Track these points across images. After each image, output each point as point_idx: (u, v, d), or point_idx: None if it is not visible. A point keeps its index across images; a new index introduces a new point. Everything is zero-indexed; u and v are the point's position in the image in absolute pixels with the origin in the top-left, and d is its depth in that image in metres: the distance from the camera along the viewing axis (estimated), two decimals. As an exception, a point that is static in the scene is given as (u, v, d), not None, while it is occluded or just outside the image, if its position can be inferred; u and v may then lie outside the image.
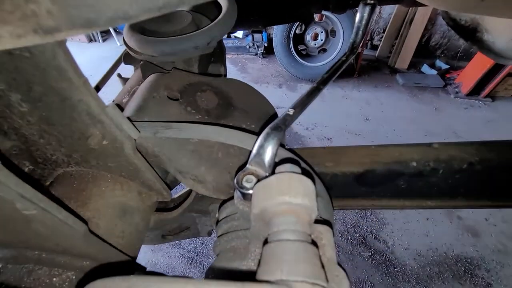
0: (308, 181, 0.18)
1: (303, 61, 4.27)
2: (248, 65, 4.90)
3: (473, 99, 4.17)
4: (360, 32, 0.48)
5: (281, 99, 4.11)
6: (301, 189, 0.18)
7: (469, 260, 2.55)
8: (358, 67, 4.48)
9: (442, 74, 4.61)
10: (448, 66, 4.71)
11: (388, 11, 4.75)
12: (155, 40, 0.47)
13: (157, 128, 0.33)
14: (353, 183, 0.46)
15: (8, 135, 0.27)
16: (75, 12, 0.13)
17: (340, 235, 2.68)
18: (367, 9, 0.45)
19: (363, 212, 2.85)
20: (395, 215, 2.85)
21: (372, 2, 0.45)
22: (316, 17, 4.06)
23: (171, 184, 0.46)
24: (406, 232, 2.73)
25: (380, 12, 4.82)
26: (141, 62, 0.48)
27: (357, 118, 3.86)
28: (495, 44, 0.65)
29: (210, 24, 0.50)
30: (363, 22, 0.47)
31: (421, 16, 4.28)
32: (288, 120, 0.30)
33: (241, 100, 0.48)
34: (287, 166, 0.21)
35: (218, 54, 0.69)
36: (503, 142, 0.43)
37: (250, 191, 0.22)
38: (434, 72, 4.64)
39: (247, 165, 0.25)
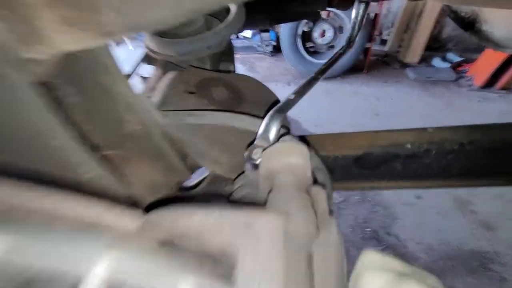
0: (302, 146, 0.24)
1: (311, 58, 4.28)
2: (256, 64, 4.96)
3: (486, 92, 4.07)
4: (356, 27, 0.52)
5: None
6: (297, 151, 0.23)
7: (483, 254, 2.52)
8: (367, 62, 4.45)
9: (454, 67, 4.52)
10: (460, 59, 4.61)
11: (397, 5, 4.69)
12: (172, 42, 0.53)
13: (179, 116, 0.39)
14: (353, 166, 0.51)
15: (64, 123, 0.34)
16: (129, 19, 0.18)
17: (352, 229, 2.70)
18: (362, 6, 0.49)
19: (374, 207, 2.86)
20: (406, 210, 2.85)
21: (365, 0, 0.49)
22: (324, 14, 4.06)
23: (190, 170, 0.52)
24: (418, 226, 2.72)
25: (389, 6, 4.77)
26: (161, 62, 0.54)
27: (366, 114, 3.85)
28: (493, 34, 0.68)
29: (221, 25, 0.56)
30: (359, 18, 0.51)
31: (431, 9, 4.21)
32: (289, 104, 0.35)
33: (249, 93, 0.53)
34: (286, 138, 0.26)
35: (227, 53, 0.75)
36: (492, 125, 0.47)
37: (258, 161, 0.28)
38: (445, 65, 4.55)
39: (255, 141, 0.30)
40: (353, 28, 0.52)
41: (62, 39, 0.19)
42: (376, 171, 0.51)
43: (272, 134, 0.30)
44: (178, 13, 0.19)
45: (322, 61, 4.25)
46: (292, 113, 0.68)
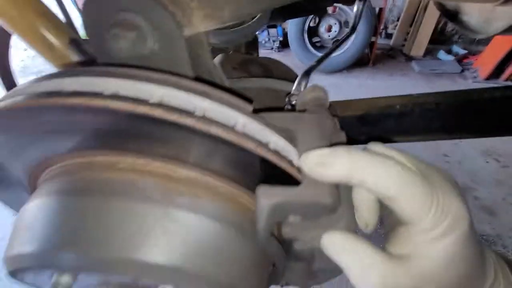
0: (323, 87, 0.40)
1: (318, 53, 4.41)
2: (264, 60, 5.11)
3: (492, 83, 4.15)
4: (357, 18, 0.68)
5: (297, 90, 4.30)
6: (321, 89, 0.40)
7: (484, 236, 2.64)
8: (373, 56, 4.56)
9: (460, 59, 4.59)
10: (465, 52, 4.68)
11: (402, -1, 4.78)
12: (218, 32, 0.70)
13: (232, 81, 0.56)
14: (356, 124, 0.67)
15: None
16: (235, 13, 0.35)
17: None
18: (361, 3, 0.65)
19: (379, 193, 3.00)
20: (410, 196, 2.98)
21: (363, -4, 0.66)
22: (330, 9, 4.18)
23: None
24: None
25: (393, 0, 4.86)
26: (210, 48, 0.71)
27: (372, 106, 3.97)
28: (471, 22, 0.84)
29: (253, 20, 0.73)
30: (358, 12, 0.68)
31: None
32: (313, 68, 0.52)
33: (277, 72, 0.70)
34: (312, 84, 0.43)
35: (253, 42, 0.92)
36: (461, 90, 0.62)
37: (294, 101, 0.44)
38: (451, 58, 4.63)
39: (292, 92, 0.47)
40: (354, 19, 0.69)
41: (200, 26, 0.36)
42: (375, 129, 0.68)
43: (303, 87, 0.47)
44: (258, 10, 0.36)
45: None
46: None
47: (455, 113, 0.61)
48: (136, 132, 0.28)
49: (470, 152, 3.32)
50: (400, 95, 0.65)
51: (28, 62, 4.86)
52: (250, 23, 0.72)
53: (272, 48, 5.25)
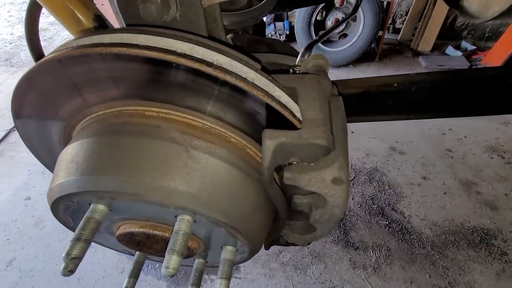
0: (323, 55, 0.45)
1: (324, 47, 4.42)
2: (270, 53, 5.12)
3: (500, 80, 4.11)
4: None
5: (302, 84, 4.32)
6: (322, 57, 0.45)
7: (485, 230, 2.67)
8: (379, 50, 4.54)
9: (468, 55, 4.55)
10: (474, 47, 4.63)
11: (411, -7, 4.72)
12: (228, 14, 0.75)
13: (241, 56, 0.61)
14: (355, 101, 0.71)
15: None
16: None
17: (359, 205, 2.89)
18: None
19: (381, 185, 3.04)
20: (413, 190, 3.01)
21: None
22: (337, 2, 4.17)
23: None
24: (423, 204, 2.89)
25: (402, -6, 4.81)
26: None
27: (377, 100, 3.98)
28: (470, 8, 0.88)
29: (262, 2, 0.77)
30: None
31: (445, -4, 4.23)
32: (315, 42, 0.57)
33: (281, 49, 0.75)
34: (315, 53, 0.48)
35: (260, 25, 0.96)
36: (452, 70, 0.66)
37: (299, 70, 0.49)
38: (459, 53, 4.59)
39: (296, 62, 0.52)
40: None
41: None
42: (373, 106, 0.72)
43: (306, 56, 0.51)
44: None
45: (334, 49, 4.39)
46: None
47: (449, 91, 0.65)
48: (163, 81, 0.33)
49: (474, 148, 3.33)
50: (397, 75, 0.69)
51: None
52: (258, 5, 0.76)
53: (278, 42, 5.25)
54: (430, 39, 4.65)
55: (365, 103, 0.72)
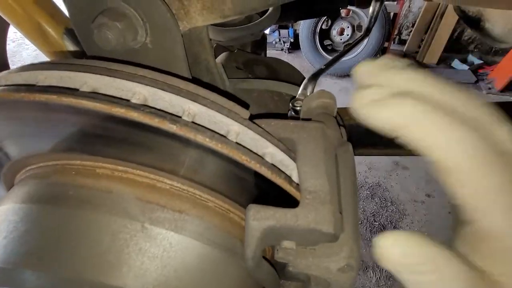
0: (330, 93, 0.36)
1: (328, 56, 4.35)
2: (273, 60, 5.06)
3: (507, 95, 4.02)
4: (372, 21, 0.64)
5: (305, 93, 4.25)
6: (328, 95, 0.36)
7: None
8: (384, 62, 4.46)
9: (475, 69, 4.46)
10: (481, 61, 4.55)
11: (418, 5, 4.67)
12: (224, 30, 0.67)
13: (235, 81, 0.53)
14: (365, 132, 0.63)
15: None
16: (237, 7, 0.32)
17: (360, 223, 2.79)
18: (378, 4, 0.61)
19: (383, 202, 2.94)
20: (416, 207, 2.90)
21: (382, -3, 0.61)
22: (343, 12, 4.11)
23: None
24: (426, 223, 2.78)
25: (409, 6, 4.76)
26: (215, 45, 0.68)
27: (381, 113, 3.89)
28: (494, 30, 0.79)
29: (263, 17, 0.69)
30: (374, 14, 0.63)
31: (453, 9, 4.17)
32: (321, 72, 0.48)
33: (283, 73, 0.66)
34: (320, 90, 0.39)
35: (261, 42, 0.88)
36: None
37: (299, 107, 0.41)
38: (465, 67, 4.51)
39: (297, 96, 0.43)
40: (369, 21, 0.64)
41: (198, 19, 0.33)
42: (384, 138, 0.63)
43: (309, 91, 0.43)
44: (264, 4, 0.32)
45: (339, 59, 4.33)
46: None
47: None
48: (116, 135, 0.25)
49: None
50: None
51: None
52: (258, 20, 0.68)
53: (282, 49, 5.20)
54: (437, 52, 4.57)
55: (375, 135, 0.63)
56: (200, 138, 0.23)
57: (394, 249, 0.21)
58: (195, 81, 0.28)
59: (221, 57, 0.62)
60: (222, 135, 0.24)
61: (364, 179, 3.13)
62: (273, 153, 0.28)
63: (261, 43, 0.85)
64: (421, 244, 0.21)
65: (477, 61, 4.56)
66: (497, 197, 0.19)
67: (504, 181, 0.19)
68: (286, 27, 4.92)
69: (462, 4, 0.77)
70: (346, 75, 4.37)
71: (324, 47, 4.40)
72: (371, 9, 0.62)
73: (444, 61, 4.70)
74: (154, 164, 0.27)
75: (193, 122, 0.24)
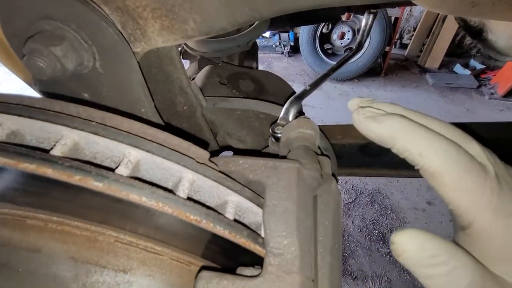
0: (314, 123, 0.32)
1: (328, 60, 4.31)
2: (274, 64, 5.03)
3: (510, 101, 3.96)
4: (365, 34, 0.60)
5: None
6: (309, 125, 0.32)
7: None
8: (385, 66, 4.43)
9: (477, 74, 4.41)
10: (483, 66, 4.49)
11: (420, 9, 4.63)
12: (208, 41, 0.63)
13: (215, 100, 0.48)
14: (358, 153, 0.58)
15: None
16: (201, 28, 0.28)
17: (359, 230, 2.73)
18: (371, 16, 0.57)
19: (383, 209, 2.88)
20: (416, 215, 2.85)
21: (374, 11, 0.56)
22: (344, 16, 4.08)
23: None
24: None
25: (410, 10, 4.72)
26: (198, 57, 0.64)
27: (381, 118, 3.84)
28: (497, 42, 0.74)
29: (250, 28, 0.65)
30: (367, 27, 0.59)
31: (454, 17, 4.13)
32: (305, 93, 0.44)
33: (271, 87, 0.62)
34: (302, 117, 0.35)
35: (251, 52, 0.84)
36: (481, 123, 0.53)
37: (279, 134, 0.36)
38: (467, 72, 4.45)
39: (278, 121, 0.39)
40: (362, 35, 0.60)
41: (157, 39, 0.29)
42: (378, 159, 0.59)
43: (291, 116, 0.38)
44: (234, 24, 0.28)
45: (339, 63, 4.29)
46: (309, 114, 0.75)
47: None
48: (36, 190, 0.21)
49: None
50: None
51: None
52: (245, 32, 0.64)
53: (282, 53, 5.17)
54: (438, 56, 4.53)
55: (368, 155, 0.59)
56: (134, 198, 0.18)
57: (410, 244, 0.24)
58: (145, 121, 0.24)
59: (203, 72, 0.58)
60: (167, 189, 0.20)
61: (364, 185, 3.08)
62: (237, 202, 0.24)
63: (251, 53, 0.81)
64: (433, 238, 0.24)
65: (479, 66, 4.51)
66: (479, 195, 0.22)
67: (482, 182, 0.22)
68: (287, 31, 4.89)
69: (463, 15, 0.73)
70: (346, 79, 4.33)
71: (325, 51, 4.36)
72: (363, 22, 0.58)
73: (446, 65, 4.65)
74: (96, 218, 0.23)
75: (133, 177, 0.19)
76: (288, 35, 4.93)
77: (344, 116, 3.84)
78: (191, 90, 0.41)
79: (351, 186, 3.09)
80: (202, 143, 0.25)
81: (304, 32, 4.20)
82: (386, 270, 2.45)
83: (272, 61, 5.13)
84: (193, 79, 0.60)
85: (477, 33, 0.80)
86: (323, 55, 4.31)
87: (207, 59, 0.66)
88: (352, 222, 2.78)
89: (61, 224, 0.23)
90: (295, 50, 5.02)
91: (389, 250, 2.57)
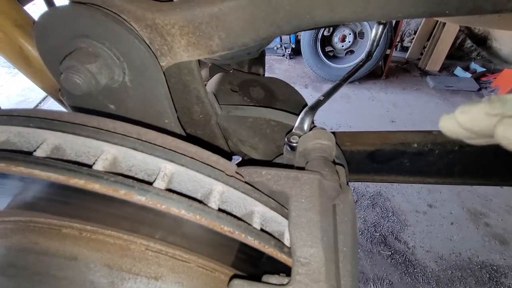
0: (330, 133, 0.33)
1: (330, 63, 4.34)
2: (275, 66, 5.05)
3: (510, 104, 3.98)
4: (374, 44, 0.61)
5: (307, 99, 4.18)
6: (326, 137, 0.33)
7: (495, 267, 2.50)
8: (386, 69, 4.45)
9: (477, 77, 4.43)
10: (484, 69, 4.51)
11: (421, 12, 4.65)
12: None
13: (229, 109, 0.50)
14: (366, 160, 0.59)
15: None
16: (226, 43, 0.29)
17: (360, 233, 2.74)
18: (380, 27, 0.58)
19: (384, 212, 2.89)
20: (418, 218, 2.85)
21: (384, 22, 0.58)
22: (345, 19, 4.09)
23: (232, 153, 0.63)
24: (428, 235, 2.73)
25: (411, 13, 4.73)
26: (210, 65, 0.65)
27: (383, 120, 3.86)
28: (501, 50, 0.76)
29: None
30: (377, 37, 0.60)
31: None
32: (319, 103, 0.45)
33: (281, 93, 0.63)
34: (318, 128, 0.36)
35: (259, 58, 0.85)
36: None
37: (295, 144, 0.37)
38: (468, 75, 4.47)
39: (293, 130, 0.40)
40: (371, 45, 0.61)
41: (183, 54, 0.30)
42: (386, 166, 0.60)
43: (306, 126, 0.40)
44: (256, 39, 0.29)
45: (340, 65, 4.30)
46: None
47: (481, 156, 0.53)
48: (80, 203, 0.22)
49: (484, 175, 3.19)
50: (419, 131, 0.57)
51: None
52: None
53: (284, 55, 5.19)
54: (439, 59, 4.55)
55: (377, 162, 0.60)
56: (174, 211, 0.20)
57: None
58: (176, 134, 0.25)
59: (215, 79, 0.59)
60: (201, 202, 0.21)
61: (365, 188, 3.09)
62: (262, 212, 0.25)
63: (259, 60, 0.82)
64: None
65: (479, 69, 4.53)
66: None
67: None
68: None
69: (469, 24, 0.74)
70: (348, 81, 4.35)
71: (326, 53, 4.38)
72: (373, 32, 0.60)
73: (446, 68, 4.67)
74: (127, 227, 0.24)
75: (167, 189, 0.20)
76: (290, 38, 4.95)
77: (346, 118, 3.85)
78: (208, 99, 0.42)
79: (353, 188, 3.10)
80: (224, 153, 0.26)
81: (305, 34, 4.22)
82: (387, 273, 2.46)
83: (274, 63, 5.14)
84: (205, 85, 0.61)
85: (482, 40, 0.82)
86: (324, 58, 4.33)
87: (217, 66, 0.68)
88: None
89: (95, 233, 0.25)
90: (296, 52, 5.04)
91: (390, 252, 2.57)
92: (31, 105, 3.80)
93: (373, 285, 2.37)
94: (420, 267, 2.49)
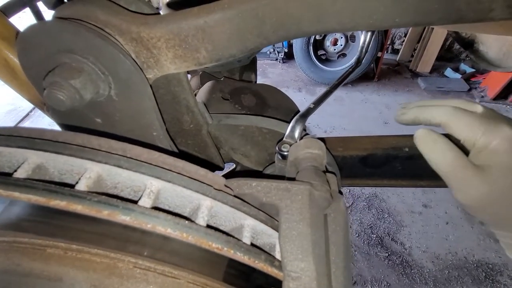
0: (321, 142, 0.33)
1: (322, 66, 4.38)
2: (268, 70, 5.07)
3: (500, 104, 4.06)
4: (363, 51, 0.62)
5: (301, 102, 4.23)
6: (317, 146, 0.33)
7: (490, 265, 2.52)
8: (378, 71, 4.51)
9: (467, 78, 4.52)
10: (473, 70, 4.60)
11: (410, 15, 4.74)
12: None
13: (220, 117, 0.49)
14: (359, 165, 0.59)
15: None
16: (213, 55, 0.29)
17: (357, 235, 2.74)
18: (369, 34, 0.59)
19: (380, 213, 2.90)
20: (413, 218, 2.87)
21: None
22: (336, 23, 4.14)
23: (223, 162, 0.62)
24: (424, 235, 2.74)
25: (401, 16, 4.82)
26: (200, 73, 0.65)
27: (376, 122, 3.90)
28: (488, 53, 0.77)
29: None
30: (366, 43, 0.61)
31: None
32: (310, 111, 0.45)
33: (273, 101, 0.63)
34: (308, 137, 0.36)
35: (251, 65, 0.85)
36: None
37: (286, 153, 0.37)
38: (458, 76, 4.56)
39: (284, 139, 0.40)
40: (360, 51, 0.62)
41: (170, 67, 0.30)
42: (379, 170, 0.60)
43: (297, 134, 0.40)
44: (244, 51, 0.29)
45: (333, 68, 4.35)
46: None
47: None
48: (63, 224, 0.21)
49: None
50: (410, 135, 0.58)
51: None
52: (246, 47, 0.66)
53: (276, 59, 5.22)
54: (429, 61, 4.63)
55: (369, 167, 0.60)
56: (160, 230, 0.19)
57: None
58: (162, 149, 0.25)
59: (206, 87, 0.59)
60: (188, 219, 0.21)
61: (360, 190, 3.10)
62: (252, 225, 0.25)
63: (251, 67, 0.82)
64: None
65: (469, 70, 4.62)
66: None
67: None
68: (280, 37, 4.94)
69: (455, 29, 0.75)
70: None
71: (318, 57, 4.43)
72: (362, 39, 0.60)
73: (437, 70, 4.75)
74: (113, 246, 0.24)
75: (154, 207, 0.20)
76: (282, 42, 4.98)
77: (339, 121, 3.88)
78: (198, 109, 0.42)
79: (348, 190, 3.11)
80: (213, 165, 0.26)
81: (297, 39, 4.25)
82: (385, 274, 2.46)
83: (267, 67, 5.17)
84: (196, 94, 0.61)
85: (469, 44, 0.83)
86: (317, 61, 4.38)
87: (208, 73, 0.68)
88: (350, 227, 2.79)
89: (81, 252, 0.24)
90: (289, 56, 5.08)
91: (387, 254, 2.58)
92: (21, 115, 3.74)
93: (371, 287, 2.37)
94: (417, 267, 2.50)
